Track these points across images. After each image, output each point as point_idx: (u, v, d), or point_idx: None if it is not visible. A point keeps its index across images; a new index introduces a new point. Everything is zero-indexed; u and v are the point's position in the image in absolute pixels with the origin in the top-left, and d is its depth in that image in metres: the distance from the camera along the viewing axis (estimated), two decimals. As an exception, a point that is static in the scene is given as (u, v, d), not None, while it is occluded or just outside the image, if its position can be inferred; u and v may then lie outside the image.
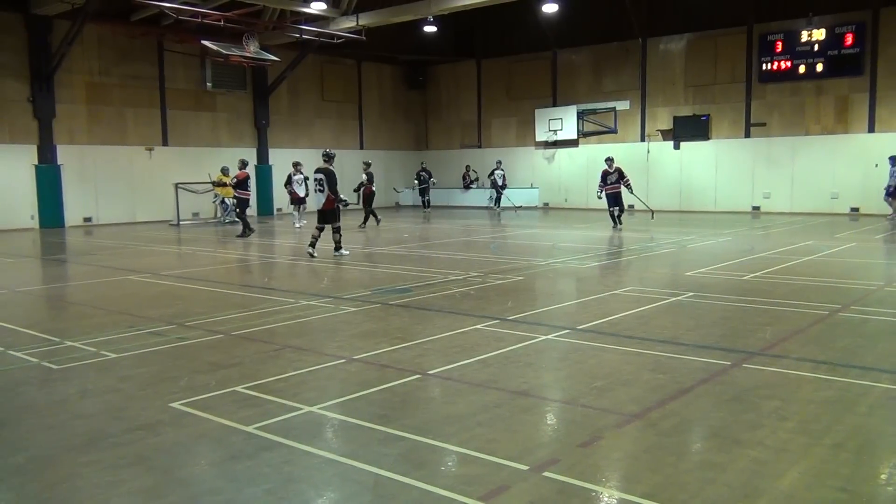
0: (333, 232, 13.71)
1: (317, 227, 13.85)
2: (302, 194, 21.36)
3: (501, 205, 27.55)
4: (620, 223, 18.90)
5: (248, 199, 18.74)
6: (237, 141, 27.13)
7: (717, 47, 25.27)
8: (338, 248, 13.77)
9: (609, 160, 19.04)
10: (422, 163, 29.22)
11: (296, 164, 21.54)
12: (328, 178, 13.45)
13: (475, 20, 29.48)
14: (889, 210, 21.42)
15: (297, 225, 21.19)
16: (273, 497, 3.67)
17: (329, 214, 13.61)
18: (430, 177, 27.41)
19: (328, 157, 13.70)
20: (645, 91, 26.99)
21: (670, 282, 10.53)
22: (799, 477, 3.83)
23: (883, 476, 3.98)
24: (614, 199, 18.86)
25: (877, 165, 22.50)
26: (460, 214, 26.00)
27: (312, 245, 13.63)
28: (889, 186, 21.11)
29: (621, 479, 3.94)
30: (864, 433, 4.52)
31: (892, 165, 20.88)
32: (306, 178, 20.48)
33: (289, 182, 21.55)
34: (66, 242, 18.75)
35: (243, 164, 18.54)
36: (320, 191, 13.59)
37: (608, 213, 19.16)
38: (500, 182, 27.27)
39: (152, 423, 4.75)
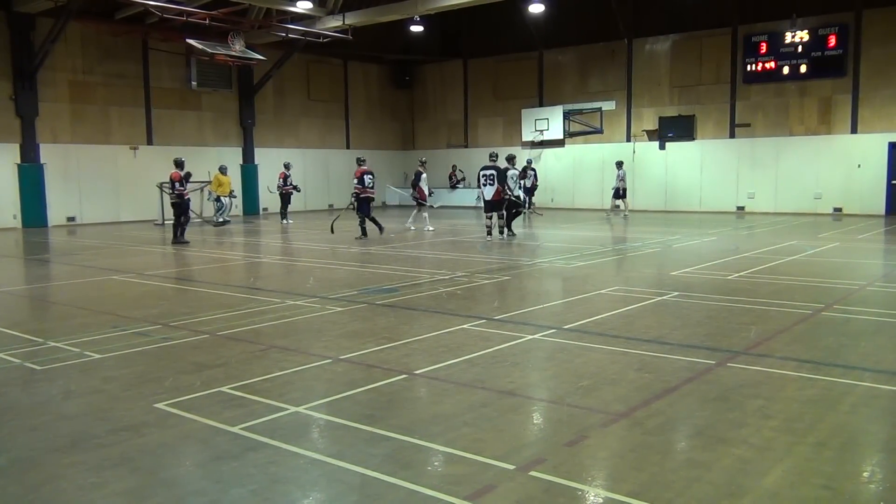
0: (499, 217, 16.50)
1: (487, 217, 16.58)
2: (428, 196, 19.67)
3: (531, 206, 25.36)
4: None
5: (185, 201, 16.70)
6: (222, 140, 27.00)
7: (702, 48, 25.43)
8: (501, 231, 16.57)
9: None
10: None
11: (423, 163, 19.90)
12: (499, 174, 16.23)
13: (462, 20, 29.51)
14: (608, 206, 24.60)
15: (430, 229, 19.00)
16: (259, 498, 3.65)
17: (496, 204, 16.40)
18: (374, 178, 25.35)
19: (496, 157, 16.81)
20: (631, 91, 27.11)
21: (656, 281, 10.58)
22: (783, 475, 3.86)
23: (865, 473, 4.02)
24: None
25: (860, 166, 22.77)
26: (447, 214, 25.98)
27: (489, 233, 16.44)
28: (615, 188, 23.81)
29: (607, 477, 3.95)
30: (847, 431, 4.56)
31: (619, 169, 23.55)
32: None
33: (417, 181, 19.45)
34: (49, 242, 18.58)
35: (178, 164, 16.76)
36: (490, 184, 16.25)
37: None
38: (529, 183, 25.00)
39: (137, 424, 4.72)
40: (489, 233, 16.46)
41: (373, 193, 17.51)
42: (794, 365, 5.98)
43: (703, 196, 25.78)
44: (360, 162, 17.86)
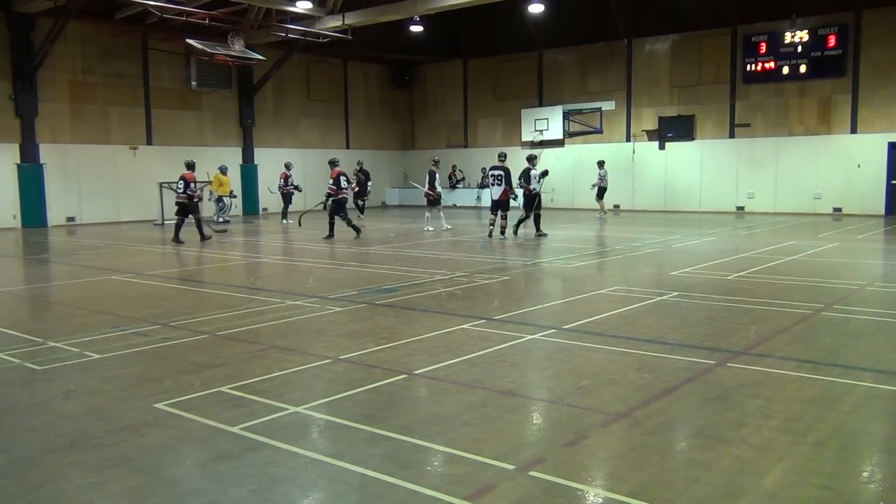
0: (501, 218, 16.64)
1: (492, 214, 16.82)
2: (441, 195, 19.27)
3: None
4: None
5: (194, 203, 16.86)
6: (222, 140, 26.99)
7: (702, 48, 25.44)
8: (503, 231, 16.72)
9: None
10: (359, 162, 24.89)
11: (436, 162, 19.45)
12: (506, 175, 16.60)
13: (461, 20, 29.51)
14: (598, 208, 24.01)
15: (432, 228, 18.88)
16: (258, 498, 3.65)
17: (503, 204, 16.67)
18: (368, 179, 24.64)
19: (504, 157, 17.24)
20: (630, 91, 27.12)
21: (655, 281, 10.58)
22: (782, 475, 3.86)
23: (865, 473, 4.02)
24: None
25: (859, 166, 22.78)
26: (447, 214, 25.92)
27: (492, 228, 16.70)
28: (599, 189, 23.56)
29: (607, 477, 3.95)
30: (847, 431, 4.57)
31: (600, 169, 23.54)
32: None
33: (432, 181, 18.80)
34: (48, 242, 18.57)
35: (190, 166, 16.99)
36: (498, 184, 16.66)
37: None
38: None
39: (137, 424, 4.72)
40: (492, 231, 16.67)
41: (346, 195, 17.60)
42: (793, 365, 5.99)
43: (703, 196, 25.78)
44: (334, 163, 17.75)
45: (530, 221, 17.11)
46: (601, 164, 23.79)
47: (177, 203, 16.90)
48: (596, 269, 12.09)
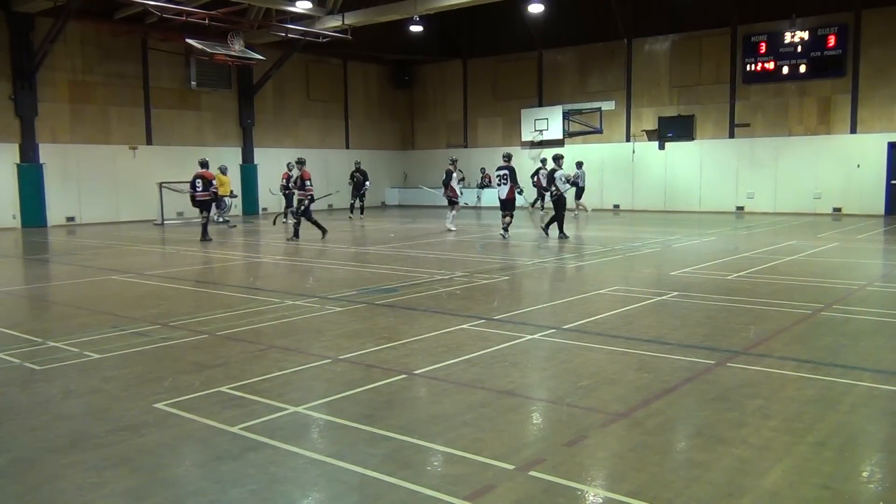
0: (503, 216, 16.71)
1: (503, 216, 16.78)
2: (460, 195, 19.13)
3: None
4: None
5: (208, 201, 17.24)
6: (222, 140, 26.99)
7: (702, 48, 25.44)
8: (505, 230, 16.73)
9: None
10: (356, 162, 25.35)
11: (454, 162, 19.20)
12: (511, 174, 16.64)
13: (461, 20, 29.53)
14: (580, 209, 24.57)
15: (452, 227, 18.71)
16: (258, 498, 3.65)
17: (509, 203, 16.71)
18: (366, 179, 24.63)
19: (509, 158, 17.16)
20: (630, 91, 27.12)
21: (655, 281, 10.58)
22: (782, 475, 3.86)
23: (865, 473, 4.02)
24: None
25: (859, 166, 22.78)
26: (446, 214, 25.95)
27: (505, 229, 16.72)
28: (578, 189, 23.85)
29: (607, 477, 3.95)
30: (847, 431, 4.56)
31: (578, 169, 24.12)
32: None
33: (448, 181, 18.71)
34: (48, 242, 18.57)
35: (205, 164, 17.24)
36: (504, 184, 16.70)
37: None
38: (544, 182, 23.87)
39: (136, 424, 4.72)
40: (505, 229, 16.69)
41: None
42: (793, 365, 5.99)
43: (703, 196, 25.79)
44: (303, 163, 17.60)
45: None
46: (579, 164, 24.43)
47: (199, 202, 16.95)
48: (596, 269, 12.09)
